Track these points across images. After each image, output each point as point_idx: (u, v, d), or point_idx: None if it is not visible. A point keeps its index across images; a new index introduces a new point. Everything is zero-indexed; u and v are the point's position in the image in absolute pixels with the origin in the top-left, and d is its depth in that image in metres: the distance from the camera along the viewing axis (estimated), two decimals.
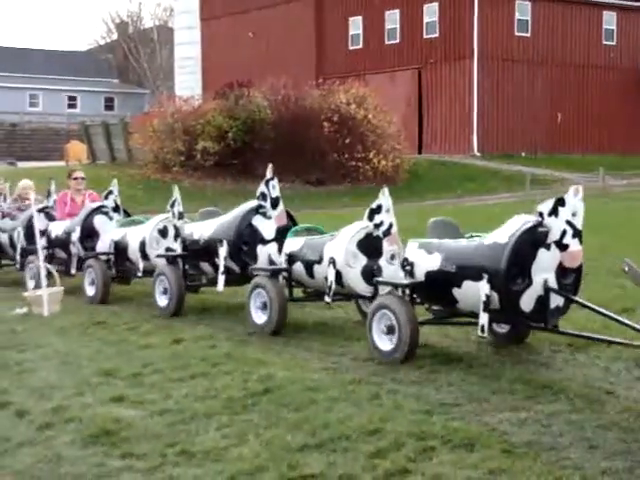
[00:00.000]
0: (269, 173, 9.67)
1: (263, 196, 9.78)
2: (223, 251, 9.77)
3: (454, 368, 7.47)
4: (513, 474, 5.09)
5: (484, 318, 7.28)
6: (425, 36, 44.71)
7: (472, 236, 8.05)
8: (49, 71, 73.56)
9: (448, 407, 6.40)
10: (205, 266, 10.45)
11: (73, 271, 12.17)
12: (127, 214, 12.57)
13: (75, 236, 12.00)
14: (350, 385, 7.00)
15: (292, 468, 5.27)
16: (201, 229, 10.42)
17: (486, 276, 7.17)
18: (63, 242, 12.37)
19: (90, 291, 11.59)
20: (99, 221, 12.05)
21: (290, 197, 30.03)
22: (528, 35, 44.58)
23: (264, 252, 9.78)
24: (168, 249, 10.74)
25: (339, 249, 8.62)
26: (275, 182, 9.71)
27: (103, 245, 11.85)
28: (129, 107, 68.38)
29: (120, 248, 11.60)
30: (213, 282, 10.37)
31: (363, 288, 8.66)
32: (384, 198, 8.24)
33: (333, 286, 8.62)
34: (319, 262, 8.87)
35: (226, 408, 6.49)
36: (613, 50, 47.90)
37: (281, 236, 9.62)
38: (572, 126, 45.46)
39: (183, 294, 10.27)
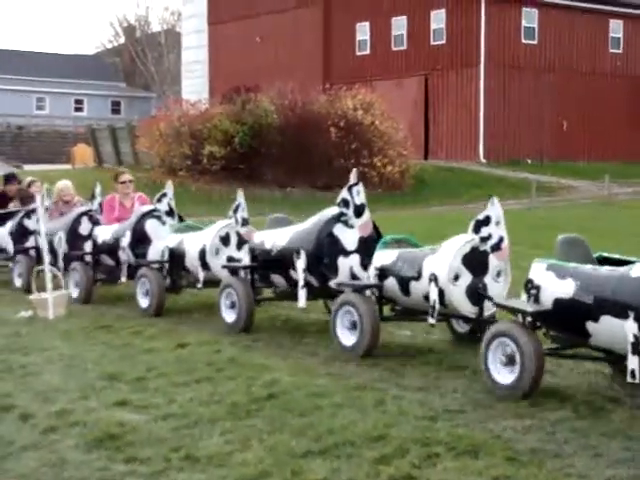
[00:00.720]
0: (353, 178, 8.89)
1: (345, 203, 8.90)
2: (302, 262, 8.92)
3: (459, 375, 7.48)
4: None
5: (634, 362, 6.25)
6: (432, 43, 44.72)
7: (602, 257, 7.23)
8: (56, 74, 73.67)
9: (453, 414, 6.40)
10: (276, 278, 9.60)
11: (123, 279, 11.43)
12: (181, 219, 11.54)
13: (125, 242, 11.18)
14: (355, 391, 6.99)
15: (296, 474, 5.25)
16: (273, 238, 9.53)
17: (632, 314, 6.24)
18: (111, 248, 11.59)
19: (143, 302, 10.73)
20: (151, 226, 11.18)
21: (297, 201, 30.22)
22: (535, 42, 44.59)
23: (345, 265, 8.94)
24: (230, 259, 10.12)
25: (442, 264, 7.75)
26: (360, 188, 8.84)
27: (155, 252, 11.00)
28: (136, 111, 68.52)
29: (176, 256, 10.70)
30: (280, 296, 10.00)
31: (468, 308, 7.83)
32: (493, 208, 7.57)
33: (437, 306, 7.75)
34: (417, 278, 8.03)
35: (230, 413, 6.47)
36: (619, 58, 47.88)
37: (364, 247, 8.87)
38: (578, 133, 45.40)
39: (253, 309, 9.47)
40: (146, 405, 6.74)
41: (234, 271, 9.80)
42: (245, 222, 9.70)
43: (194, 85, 56.48)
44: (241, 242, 9.91)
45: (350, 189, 8.85)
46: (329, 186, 34.33)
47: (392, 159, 35.08)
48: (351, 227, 8.94)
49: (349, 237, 8.95)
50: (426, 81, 45.18)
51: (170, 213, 11.12)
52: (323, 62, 49.17)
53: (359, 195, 8.83)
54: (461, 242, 7.82)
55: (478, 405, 6.60)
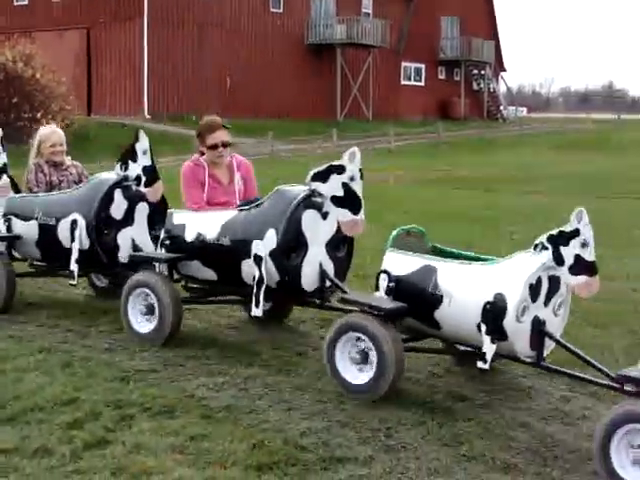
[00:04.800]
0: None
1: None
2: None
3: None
4: (214, 439, 5.07)
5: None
6: None
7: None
8: None
9: (144, 374, 6.31)
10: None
11: (258, 312, 6.62)
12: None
13: (265, 246, 6.50)
14: (40, 354, 6.73)
15: None
16: None
17: None
18: (216, 251, 6.87)
19: None
20: (308, 220, 6.58)
21: None
22: None
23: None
24: None
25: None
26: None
27: None
28: None
29: None
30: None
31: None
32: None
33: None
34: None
35: None
36: (280, 17, 49.12)
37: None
38: (242, 91, 46.20)
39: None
40: None
41: None
42: None
43: None
44: None
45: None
46: None
47: (54, 114, 34.00)
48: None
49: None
50: (88, 34, 44.13)
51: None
52: None
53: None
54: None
55: (168, 364, 6.54)
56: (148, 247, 7.87)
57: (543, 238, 5.34)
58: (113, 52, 43.61)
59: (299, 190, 6.51)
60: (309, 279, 6.59)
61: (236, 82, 46.20)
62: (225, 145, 7.36)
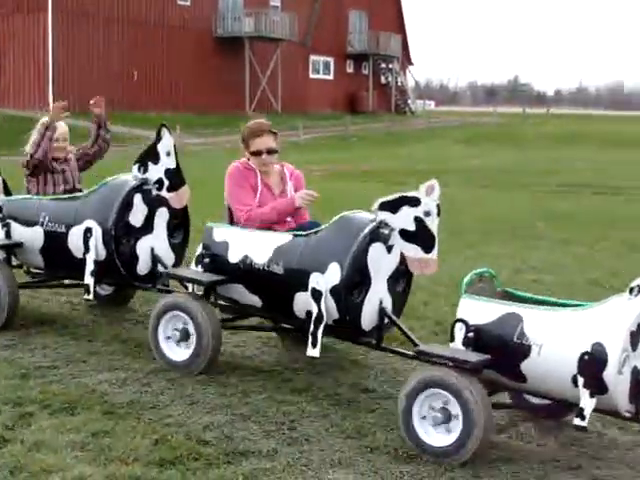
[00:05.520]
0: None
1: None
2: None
3: (48, 330, 7.29)
4: (116, 435, 5.02)
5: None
6: None
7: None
8: None
9: (45, 370, 6.23)
10: None
11: (315, 353, 5.83)
12: None
13: (328, 280, 5.77)
14: None
15: None
16: None
17: None
18: (264, 277, 6.11)
19: None
20: (374, 254, 5.85)
21: None
22: None
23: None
24: None
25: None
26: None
27: None
28: None
29: None
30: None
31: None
32: None
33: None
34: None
35: None
36: (187, 11, 48.78)
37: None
38: (149, 84, 45.80)
39: None
40: None
41: None
42: None
43: None
44: None
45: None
46: None
47: None
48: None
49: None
50: None
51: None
52: None
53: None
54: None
55: (70, 360, 6.47)
56: (167, 258, 7.15)
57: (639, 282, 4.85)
58: (16, 44, 42.81)
59: (365, 219, 5.79)
60: (369, 317, 5.87)
61: (143, 76, 45.76)
62: (270, 152, 6.50)
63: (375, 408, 5.65)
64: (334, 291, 5.69)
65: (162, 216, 7.08)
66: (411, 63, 71.39)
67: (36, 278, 7.87)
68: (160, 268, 6.90)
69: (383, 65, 65.20)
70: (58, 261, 7.25)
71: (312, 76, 59.50)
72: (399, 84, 67.22)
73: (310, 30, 57.81)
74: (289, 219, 6.43)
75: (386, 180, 23.06)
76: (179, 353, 6.26)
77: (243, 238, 6.23)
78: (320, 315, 5.71)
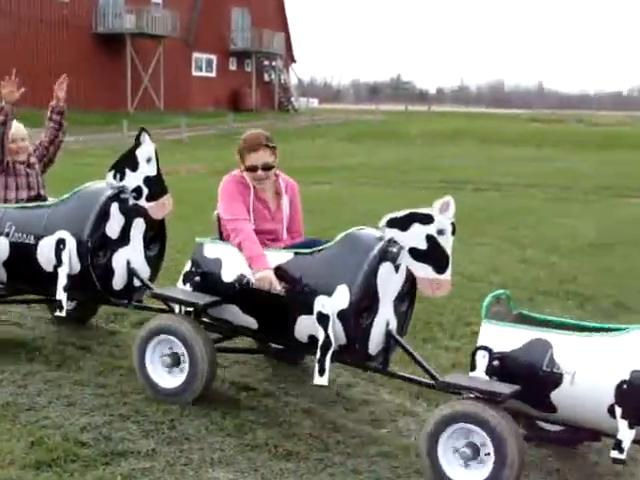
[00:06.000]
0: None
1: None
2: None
3: None
4: None
5: None
6: None
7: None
8: None
9: None
10: None
11: (324, 381, 5.39)
12: None
13: (335, 305, 5.38)
14: None
15: None
16: None
17: None
18: (262, 299, 5.65)
19: None
20: (384, 274, 5.52)
21: None
22: None
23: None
24: None
25: None
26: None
27: None
28: None
29: None
30: None
31: None
32: None
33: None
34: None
35: None
36: (66, 6, 47.95)
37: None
38: (29, 82, 44.73)
39: None
40: None
41: None
42: None
43: None
44: None
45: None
46: None
47: None
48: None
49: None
50: None
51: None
52: None
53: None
54: None
55: None
56: (143, 271, 6.64)
57: None
58: None
59: (373, 238, 5.39)
60: (375, 341, 5.49)
61: (22, 72, 44.70)
62: (266, 168, 5.95)
63: (255, 406, 5.66)
64: (342, 315, 5.26)
65: (138, 227, 6.57)
66: (294, 61, 71.61)
67: None
68: (136, 282, 6.53)
69: (266, 63, 65.23)
70: (23, 275, 6.57)
71: (195, 73, 59.13)
72: (282, 82, 67.35)
73: (192, 27, 57.45)
74: (285, 236, 6.06)
75: None
76: (169, 380, 5.75)
77: (238, 255, 5.72)
78: (328, 341, 5.28)
